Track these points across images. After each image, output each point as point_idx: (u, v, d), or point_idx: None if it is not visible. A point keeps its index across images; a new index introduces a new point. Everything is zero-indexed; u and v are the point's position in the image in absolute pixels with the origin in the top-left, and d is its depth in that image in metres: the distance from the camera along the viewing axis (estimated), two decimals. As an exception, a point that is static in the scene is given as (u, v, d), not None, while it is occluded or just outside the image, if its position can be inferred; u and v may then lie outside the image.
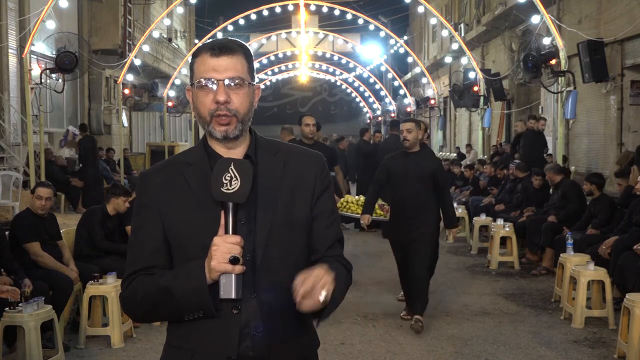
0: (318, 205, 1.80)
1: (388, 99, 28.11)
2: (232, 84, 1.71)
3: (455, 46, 17.63)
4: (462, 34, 19.28)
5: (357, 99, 34.10)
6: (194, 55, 1.77)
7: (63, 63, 10.45)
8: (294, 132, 9.78)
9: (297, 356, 1.79)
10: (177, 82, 20.24)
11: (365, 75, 28.35)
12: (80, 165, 13.42)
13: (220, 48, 1.72)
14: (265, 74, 29.86)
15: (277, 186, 1.74)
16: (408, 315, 6.06)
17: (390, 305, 6.68)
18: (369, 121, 32.93)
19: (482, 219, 9.81)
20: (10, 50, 12.91)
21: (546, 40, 10.75)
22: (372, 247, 10.11)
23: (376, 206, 8.75)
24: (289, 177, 1.77)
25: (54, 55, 10.79)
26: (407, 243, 5.84)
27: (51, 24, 11.56)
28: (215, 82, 1.71)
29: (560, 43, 9.96)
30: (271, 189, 1.73)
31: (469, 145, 18.51)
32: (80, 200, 12.52)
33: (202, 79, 1.71)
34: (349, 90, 33.41)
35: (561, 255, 6.75)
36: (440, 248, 10.13)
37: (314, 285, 1.58)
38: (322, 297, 1.58)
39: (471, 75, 16.17)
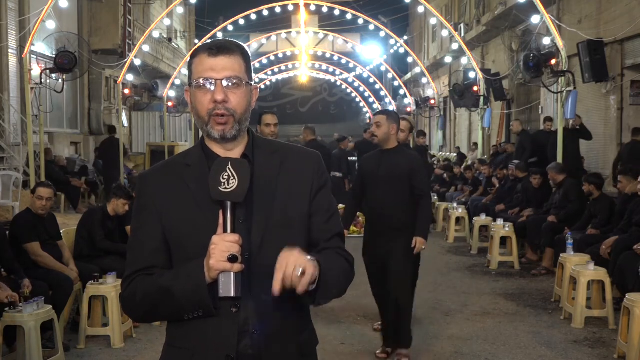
0: (316, 201, 1.81)
1: (388, 99, 28.11)
2: (230, 83, 1.72)
3: (455, 46, 17.63)
4: (462, 34, 19.29)
5: (357, 99, 34.10)
6: (192, 56, 1.78)
7: (62, 63, 10.44)
8: (315, 133, 10.24)
9: (294, 354, 1.78)
10: (177, 82, 20.25)
11: (365, 75, 28.34)
12: (101, 164, 14.45)
13: (218, 48, 1.73)
14: (265, 74, 29.86)
15: (274, 184, 1.75)
16: (384, 353, 5.10)
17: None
18: (368, 121, 32.92)
19: (482, 219, 9.81)
20: (10, 50, 12.91)
21: (546, 40, 10.75)
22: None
23: None
24: (285, 176, 1.78)
25: (54, 55, 10.79)
26: (382, 260, 4.97)
27: (51, 24, 11.55)
28: (213, 81, 1.72)
29: (560, 43, 9.96)
30: (268, 187, 1.75)
31: (474, 144, 18.47)
32: (94, 198, 12.93)
33: (200, 79, 1.73)
34: (349, 90, 33.42)
35: (561, 255, 6.75)
36: (440, 248, 10.33)
37: (287, 266, 1.58)
38: (298, 272, 1.57)
39: (471, 75, 16.18)
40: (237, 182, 1.63)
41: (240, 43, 1.80)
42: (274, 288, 1.58)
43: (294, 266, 1.57)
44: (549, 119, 12.45)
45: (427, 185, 5.12)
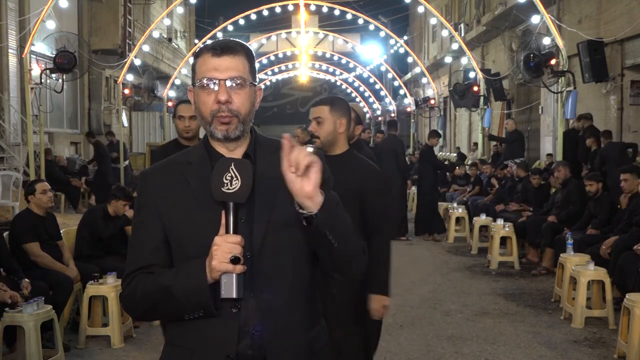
0: None
1: (388, 99, 28.12)
2: (234, 84, 1.72)
3: (455, 46, 17.63)
4: (462, 34, 19.29)
5: (357, 99, 34.09)
6: (196, 56, 1.78)
7: (61, 63, 10.45)
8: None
9: (303, 352, 1.77)
10: (177, 82, 20.23)
11: (365, 75, 28.35)
12: (97, 165, 14.30)
13: (222, 48, 1.73)
14: (265, 74, 29.87)
15: (276, 184, 1.74)
16: None
17: (390, 305, 6.66)
18: (368, 121, 32.90)
19: (482, 219, 9.80)
20: (10, 50, 12.92)
21: (546, 40, 10.75)
22: (372, 247, 10.11)
23: None
24: None
25: (53, 55, 10.80)
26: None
27: (51, 24, 11.56)
28: (216, 82, 1.71)
29: (560, 43, 9.97)
30: (269, 187, 1.74)
31: (474, 144, 18.46)
32: (94, 198, 12.92)
33: (204, 79, 1.72)
34: (349, 90, 33.40)
35: (561, 255, 6.75)
36: (440, 248, 10.34)
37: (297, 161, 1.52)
38: (310, 148, 1.53)
39: (471, 75, 16.18)
40: (240, 183, 1.63)
41: (245, 43, 1.79)
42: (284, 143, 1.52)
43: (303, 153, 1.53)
44: (585, 117, 10.77)
45: (386, 215, 3.34)
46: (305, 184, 1.54)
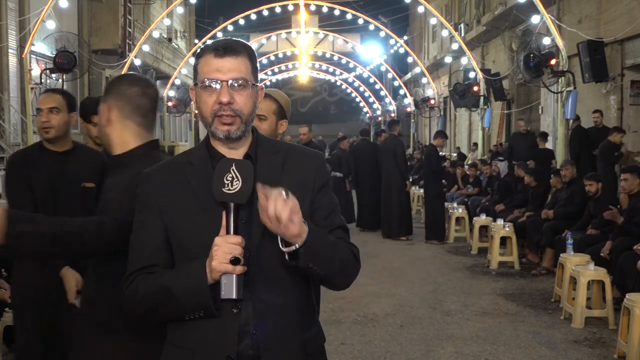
0: (316, 199, 1.80)
1: (388, 99, 28.12)
2: (236, 84, 1.72)
3: (455, 46, 17.64)
4: (462, 34, 19.30)
5: (357, 99, 34.13)
6: (198, 56, 1.78)
7: (61, 63, 10.46)
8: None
9: (298, 353, 1.78)
10: (177, 82, 20.23)
11: (365, 75, 28.37)
12: None
13: (224, 49, 1.73)
14: (266, 74, 29.89)
15: (276, 185, 1.74)
16: None
17: (390, 305, 6.69)
18: (369, 121, 32.91)
19: (482, 219, 9.80)
20: (10, 50, 12.92)
21: (546, 40, 10.76)
22: (372, 247, 10.12)
23: None
24: (288, 176, 1.77)
25: (53, 55, 10.81)
26: None
27: (51, 24, 11.57)
28: (219, 82, 1.71)
29: (560, 43, 9.97)
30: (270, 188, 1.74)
31: (474, 144, 18.46)
32: None
33: (206, 80, 1.72)
34: (349, 90, 33.45)
35: (561, 255, 6.74)
36: (440, 248, 10.33)
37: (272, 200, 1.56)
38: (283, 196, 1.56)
39: (471, 75, 16.19)
40: (240, 184, 1.63)
41: (247, 43, 1.79)
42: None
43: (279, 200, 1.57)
44: (597, 111, 10.95)
45: None
46: (290, 226, 1.57)
